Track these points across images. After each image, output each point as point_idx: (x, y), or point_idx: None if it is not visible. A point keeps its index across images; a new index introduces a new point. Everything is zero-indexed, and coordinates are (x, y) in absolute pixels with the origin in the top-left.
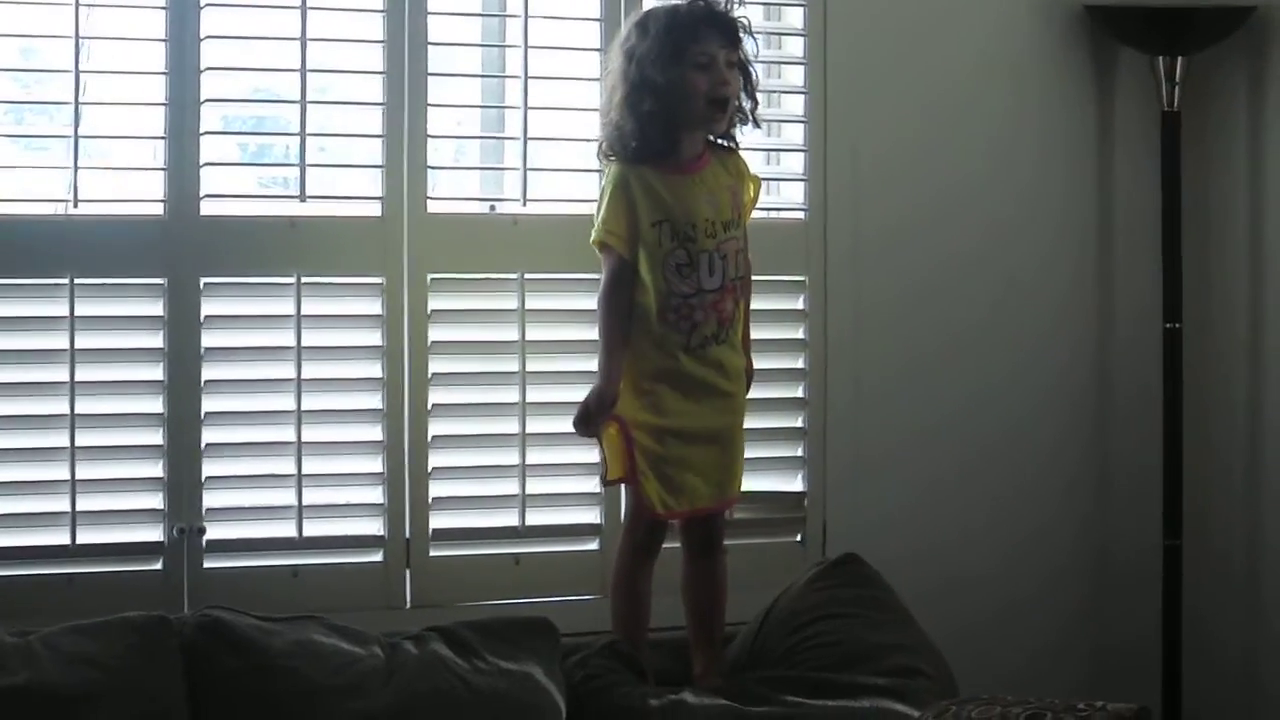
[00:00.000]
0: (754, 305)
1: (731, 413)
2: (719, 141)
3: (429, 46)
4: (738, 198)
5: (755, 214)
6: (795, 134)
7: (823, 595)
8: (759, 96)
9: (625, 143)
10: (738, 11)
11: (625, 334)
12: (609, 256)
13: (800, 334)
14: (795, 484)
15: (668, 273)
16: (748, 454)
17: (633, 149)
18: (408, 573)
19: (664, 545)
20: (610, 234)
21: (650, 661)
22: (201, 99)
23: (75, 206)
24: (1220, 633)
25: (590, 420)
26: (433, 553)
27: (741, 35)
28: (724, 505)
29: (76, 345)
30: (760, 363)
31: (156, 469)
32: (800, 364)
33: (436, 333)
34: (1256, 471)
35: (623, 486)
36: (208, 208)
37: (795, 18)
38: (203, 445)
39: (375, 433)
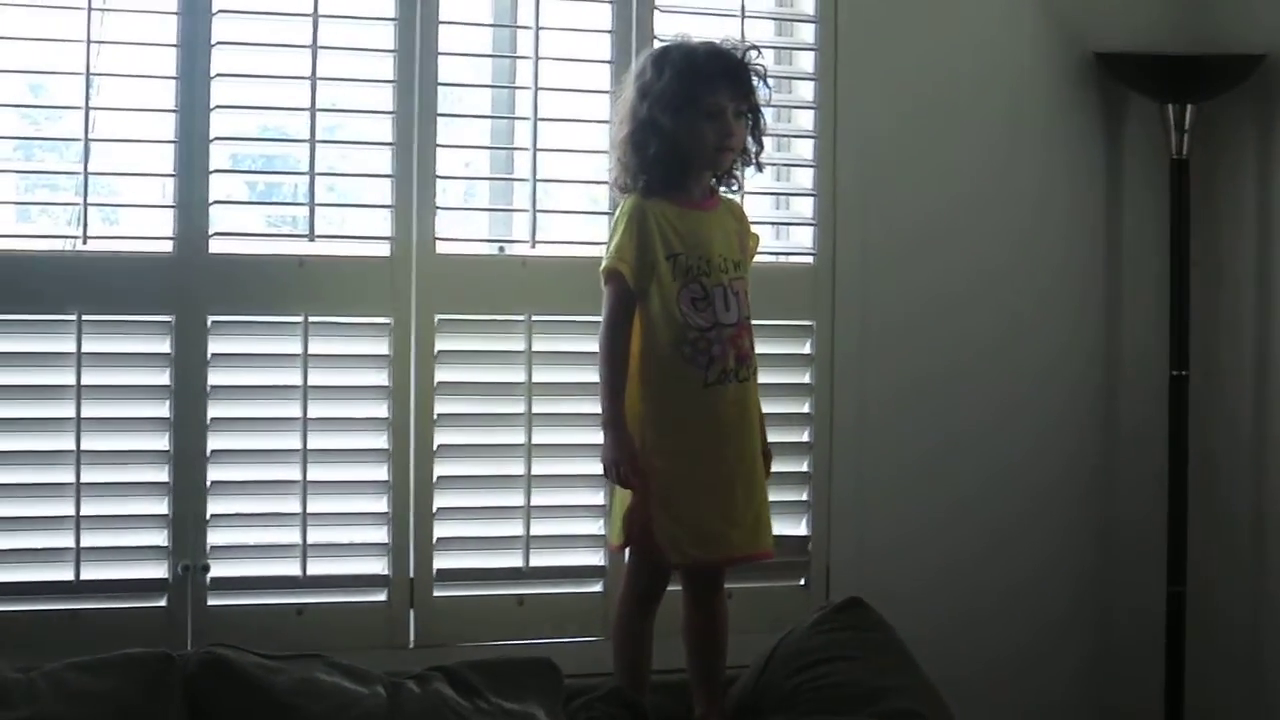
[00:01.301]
0: (760, 350)
1: (753, 457)
2: (721, 187)
3: (439, 87)
4: (743, 241)
5: (763, 258)
6: (804, 178)
7: (826, 638)
8: (766, 140)
9: (635, 179)
10: (752, 57)
11: (625, 374)
12: (614, 285)
13: (806, 379)
14: (800, 528)
15: (683, 306)
16: None
17: (642, 185)
18: (412, 612)
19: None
20: (621, 261)
21: (651, 706)
22: (211, 137)
23: (84, 243)
24: (1224, 677)
25: (621, 475)
26: (437, 593)
27: (754, 83)
28: (753, 556)
29: (83, 381)
30: (765, 407)
31: (162, 506)
32: (806, 408)
33: (443, 374)
34: (1261, 519)
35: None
36: (216, 246)
37: (806, 62)
38: (208, 483)
39: (381, 473)
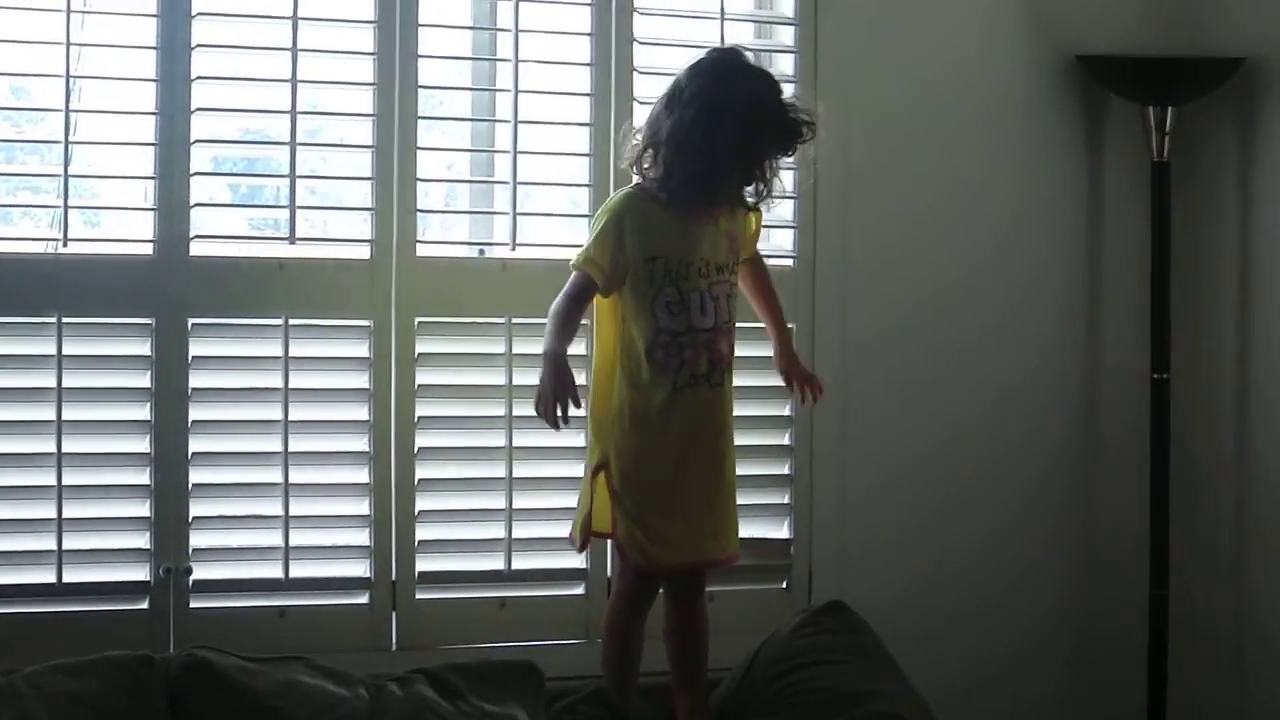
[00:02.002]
0: (740, 352)
1: (719, 462)
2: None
3: (419, 90)
4: (735, 242)
5: None
6: (785, 181)
7: (807, 642)
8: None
9: (662, 180)
10: (810, 120)
11: (572, 326)
12: (580, 276)
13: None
14: (781, 531)
15: (657, 309)
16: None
17: (653, 182)
18: (394, 615)
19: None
20: (590, 263)
21: (636, 709)
22: (192, 140)
23: (64, 245)
24: (1207, 680)
25: (546, 395)
26: (419, 595)
27: (796, 147)
28: (718, 561)
29: (64, 384)
30: (746, 410)
31: (143, 509)
32: (787, 411)
33: (424, 376)
34: (1243, 521)
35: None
36: (197, 248)
37: (786, 65)
38: (190, 485)
39: (362, 475)
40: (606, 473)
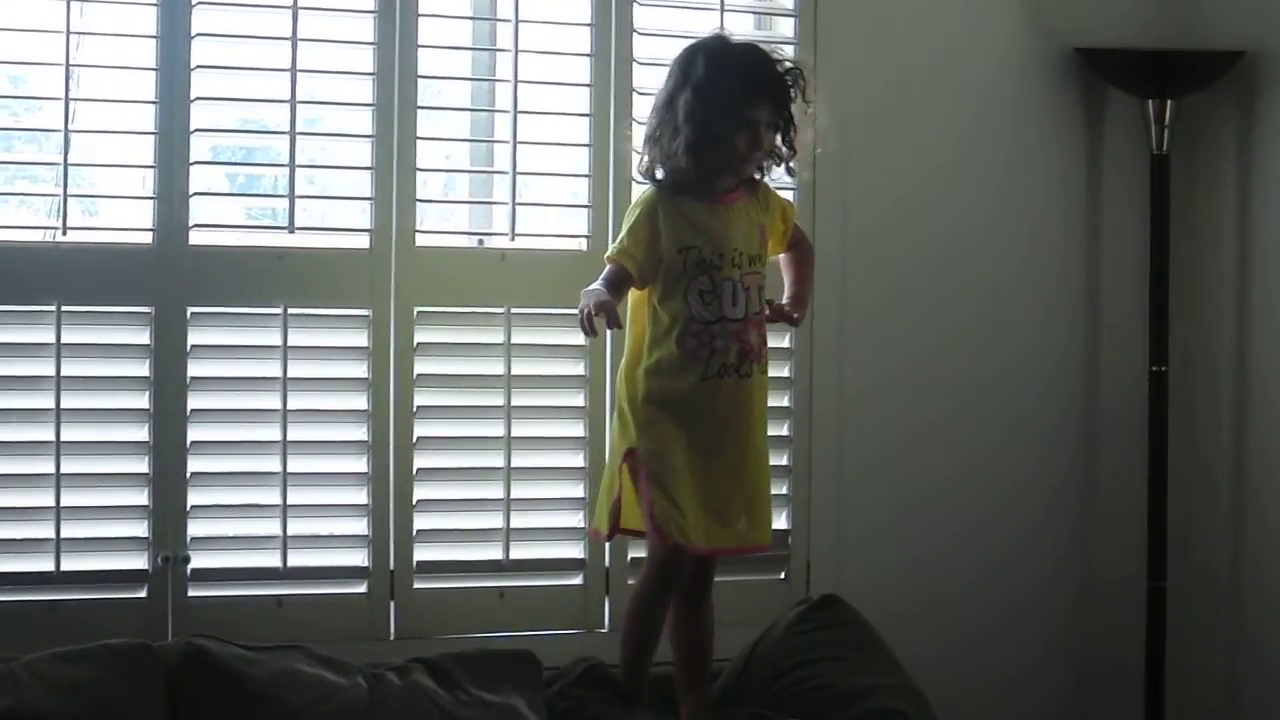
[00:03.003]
0: None
1: (748, 450)
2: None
3: (419, 80)
4: (765, 234)
5: None
6: (783, 171)
7: (804, 639)
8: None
9: (663, 170)
10: (794, 68)
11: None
12: (616, 266)
13: (786, 372)
14: (780, 522)
15: (690, 298)
16: None
17: (667, 179)
18: (392, 604)
19: None
20: (626, 255)
21: (647, 691)
22: (191, 129)
23: (64, 234)
24: (1204, 672)
25: (588, 313)
26: (417, 585)
27: (793, 95)
28: (747, 550)
29: (63, 372)
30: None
31: (142, 497)
32: (785, 402)
33: (422, 366)
34: (1241, 513)
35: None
36: (196, 237)
37: (785, 55)
38: (188, 474)
39: (360, 465)
40: (635, 458)
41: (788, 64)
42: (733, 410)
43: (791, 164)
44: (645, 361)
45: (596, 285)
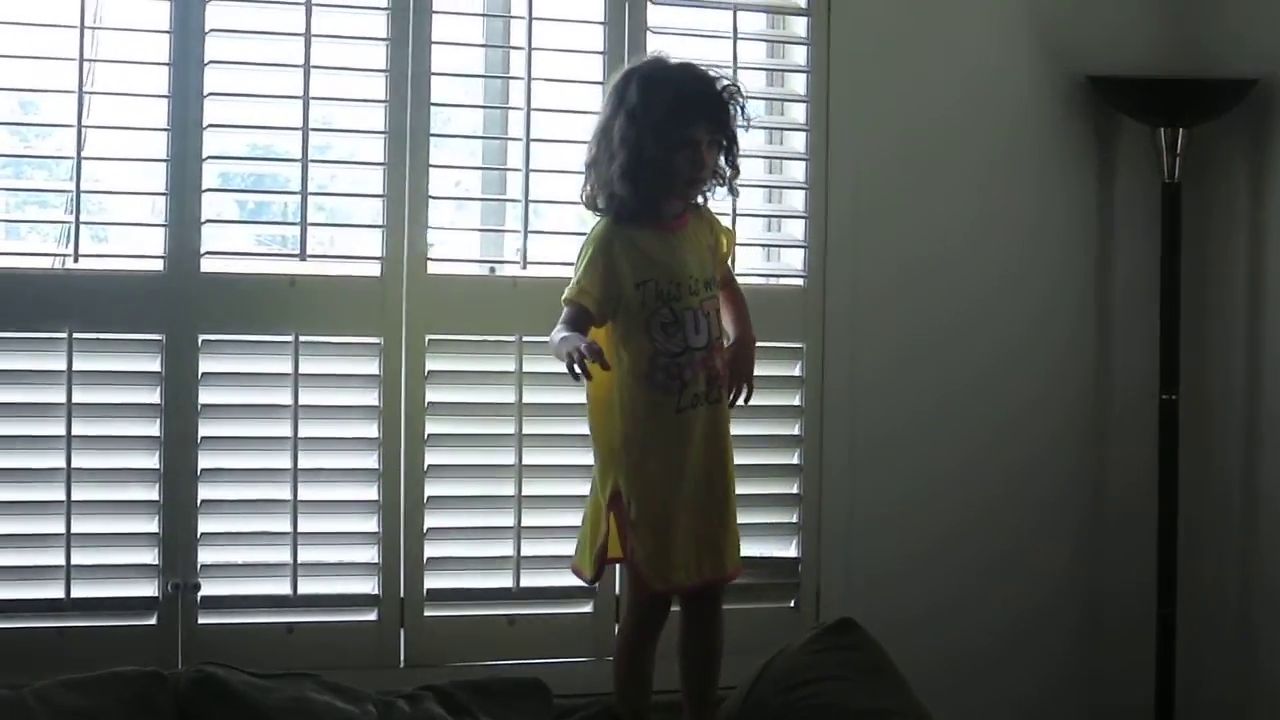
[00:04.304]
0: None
1: (725, 477)
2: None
3: (431, 107)
4: (715, 255)
5: (754, 279)
6: (796, 201)
7: (814, 658)
8: (757, 162)
9: (606, 200)
10: (730, 88)
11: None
12: (572, 309)
13: (797, 400)
14: (790, 550)
15: (654, 332)
16: (743, 519)
17: (614, 209)
18: (402, 632)
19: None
20: (585, 294)
21: None
22: (203, 156)
23: (75, 261)
24: (1215, 704)
25: (578, 358)
26: (427, 612)
27: (731, 111)
28: (723, 579)
29: (74, 399)
30: (756, 429)
31: (152, 524)
32: (796, 430)
33: (434, 394)
34: (1251, 542)
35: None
36: (208, 264)
37: (798, 83)
38: (198, 501)
39: (371, 492)
40: (619, 503)
41: (724, 81)
42: (708, 438)
43: (734, 183)
44: (617, 403)
45: (560, 330)
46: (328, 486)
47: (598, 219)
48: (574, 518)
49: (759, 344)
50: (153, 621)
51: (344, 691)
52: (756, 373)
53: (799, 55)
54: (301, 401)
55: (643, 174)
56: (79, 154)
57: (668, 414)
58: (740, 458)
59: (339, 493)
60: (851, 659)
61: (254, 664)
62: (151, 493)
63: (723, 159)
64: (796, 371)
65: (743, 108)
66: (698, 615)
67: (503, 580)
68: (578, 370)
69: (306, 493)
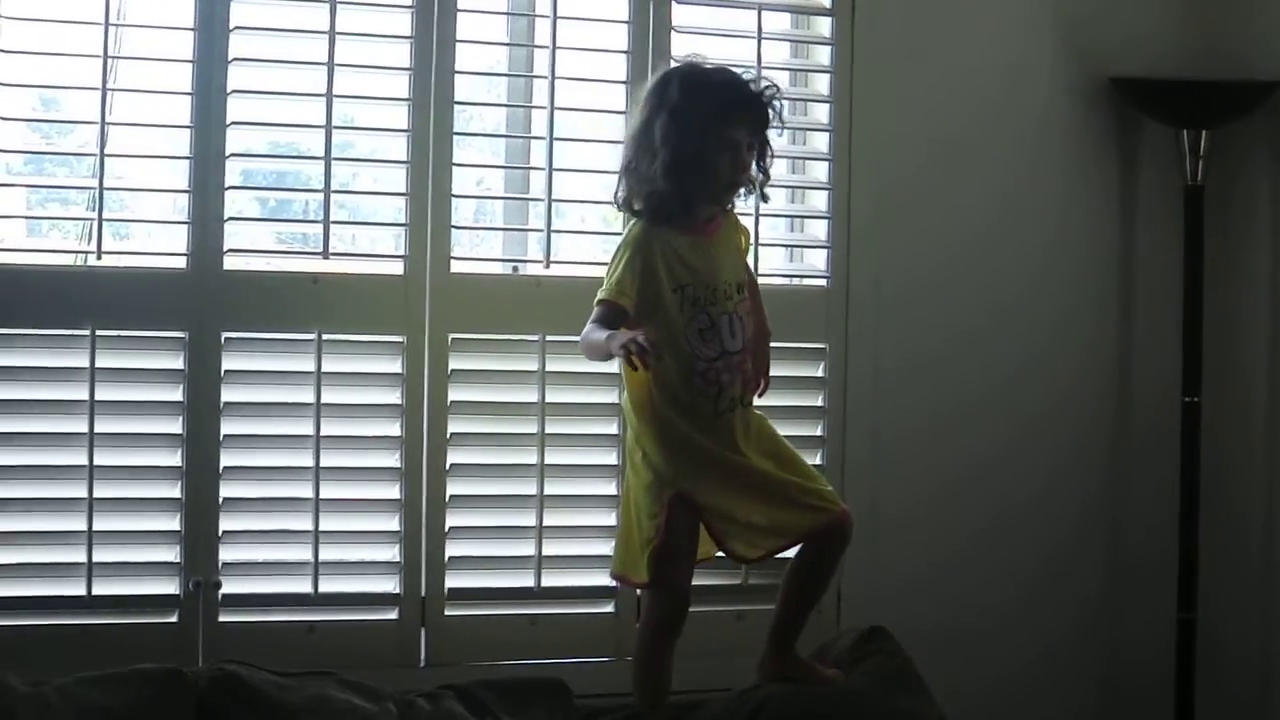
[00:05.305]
0: (773, 372)
1: (775, 452)
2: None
3: (454, 106)
4: (743, 256)
5: (776, 280)
6: (819, 201)
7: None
8: (780, 161)
9: (644, 202)
10: (769, 91)
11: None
12: (606, 307)
13: (820, 401)
14: None
15: (690, 338)
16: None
17: (650, 211)
18: (423, 631)
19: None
20: (622, 294)
21: None
22: (226, 153)
23: (98, 258)
24: (1231, 702)
25: (638, 346)
26: (448, 611)
27: (770, 115)
28: (838, 522)
29: (96, 396)
30: (778, 429)
31: (174, 522)
32: (818, 431)
33: (456, 393)
34: (1274, 547)
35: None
36: (230, 262)
37: (822, 84)
38: (220, 500)
39: (393, 491)
40: (676, 501)
41: (765, 84)
42: (745, 437)
43: (765, 188)
44: (655, 407)
45: (595, 329)
46: (349, 485)
47: (631, 221)
48: (596, 518)
49: (781, 344)
50: (174, 619)
51: (364, 690)
52: (778, 373)
53: (823, 55)
54: (324, 400)
55: (686, 171)
56: (102, 151)
57: (706, 419)
58: None
59: (360, 491)
60: (877, 665)
61: (275, 662)
62: (173, 490)
63: (755, 164)
64: (819, 372)
65: (780, 112)
66: (827, 545)
67: (524, 580)
68: (635, 362)
69: (328, 491)
